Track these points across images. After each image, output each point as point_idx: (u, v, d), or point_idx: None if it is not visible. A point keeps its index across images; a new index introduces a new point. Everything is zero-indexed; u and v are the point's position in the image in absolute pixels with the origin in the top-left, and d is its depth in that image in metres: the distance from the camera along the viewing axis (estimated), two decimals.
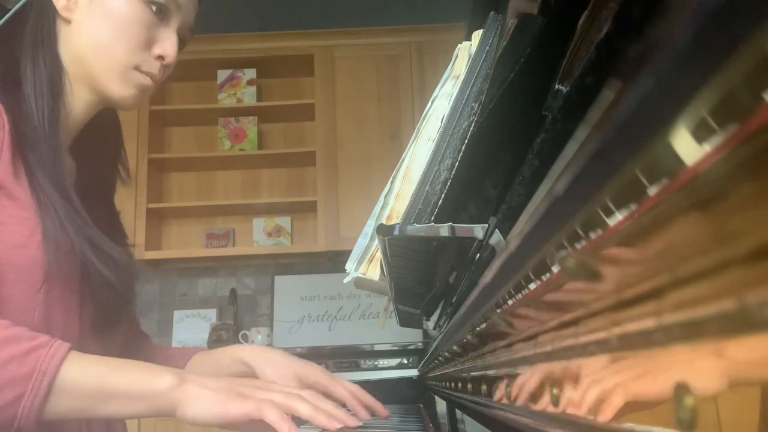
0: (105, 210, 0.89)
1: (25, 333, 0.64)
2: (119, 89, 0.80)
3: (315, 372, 0.87)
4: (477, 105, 0.56)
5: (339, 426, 0.67)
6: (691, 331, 0.15)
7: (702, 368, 0.15)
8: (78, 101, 0.81)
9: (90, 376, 0.64)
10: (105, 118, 0.88)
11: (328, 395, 0.82)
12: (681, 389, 0.16)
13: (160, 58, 0.81)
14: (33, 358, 0.61)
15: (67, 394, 0.62)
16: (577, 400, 0.24)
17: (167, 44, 0.81)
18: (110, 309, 0.80)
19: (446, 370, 0.84)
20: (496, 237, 0.40)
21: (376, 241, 0.72)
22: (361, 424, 0.70)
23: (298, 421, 0.68)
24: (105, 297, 0.78)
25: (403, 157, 0.71)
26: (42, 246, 0.70)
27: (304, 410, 0.67)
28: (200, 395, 0.65)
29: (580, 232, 0.20)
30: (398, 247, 0.55)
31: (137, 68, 0.80)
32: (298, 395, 0.68)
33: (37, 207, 0.71)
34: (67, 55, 0.79)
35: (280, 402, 0.66)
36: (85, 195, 0.80)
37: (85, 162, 0.86)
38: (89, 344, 0.76)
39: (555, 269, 0.24)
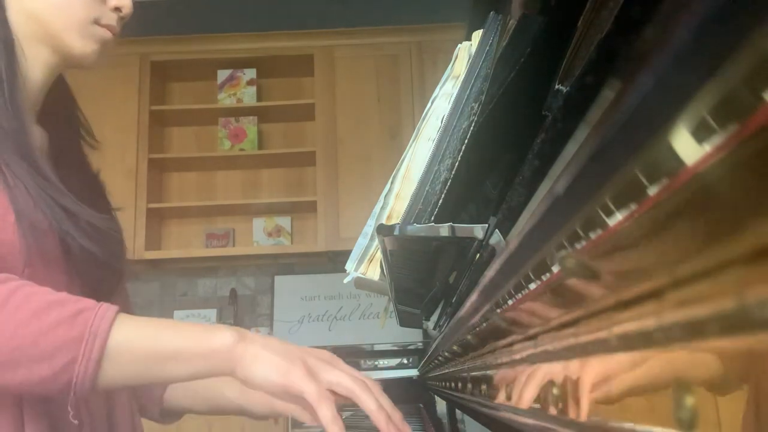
0: (82, 177, 0.85)
1: (69, 297, 0.61)
2: (81, 45, 0.78)
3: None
4: (477, 105, 0.56)
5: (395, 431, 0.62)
6: (691, 331, 0.15)
7: (701, 368, 0.15)
8: (37, 65, 0.78)
9: (143, 336, 0.60)
10: (55, 83, 0.84)
11: None
12: (681, 389, 0.16)
13: (117, 9, 0.80)
14: (82, 320, 0.58)
15: (120, 357, 0.59)
16: (577, 400, 0.24)
17: None
18: (99, 282, 0.76)
19: (446, 370, 0.84)
20: (496, 237, 0.40)
21: (376, 241, 0.72)
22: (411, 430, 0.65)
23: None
24: (91, 270, 0.74)
25: (403, 157, 0.71)
26: (17, 228, 0.66)
27: (368, 403, 0.61)
28: (262, 356, 0.61)
29: (580, 232, 0.20)
30: (398, 247, 0.55)
31: (96, 22, 0.78)
32: (365, 383, 0.63)
33: (5, 187, 0.67)
34: (20, 17, 0.76)
35: (348, 386, 0.62)
36: (61, 164, 0.77)
37: (56, 130, 0.83)
38: None
39: (555, 269, 0.24)
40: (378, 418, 0.62)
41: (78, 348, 0.57)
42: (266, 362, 0.61)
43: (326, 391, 0.60)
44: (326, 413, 0.59)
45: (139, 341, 0.60)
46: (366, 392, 0.62)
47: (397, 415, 0.65)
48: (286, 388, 0.60)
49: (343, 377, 0.63)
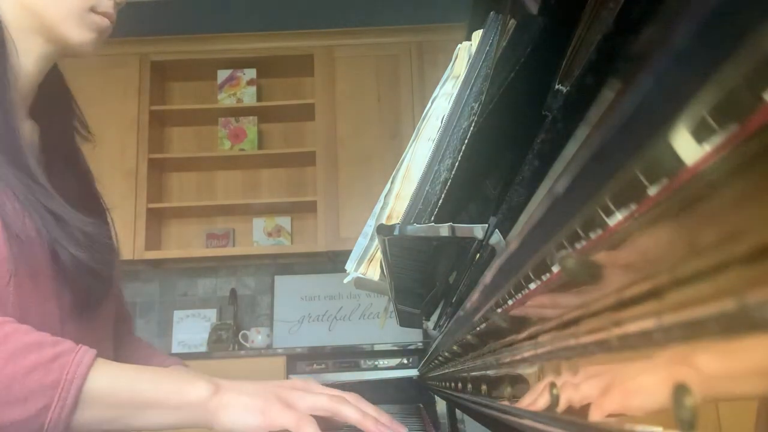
0: (75, 173, 0.84)
1: (48, 338, 0.60)
2: (79, 34, 0.77)
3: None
4: (477, 105, 0.56)
5: None
6: (691, 331, 0.15)
7: (702, 369, 0.15)
8: (30, 57, 0.76)
9: (119, 385, 0.60)
10: (50, 74, 0.83)
11: None
12: (681, 389, 0.16)
13: None
14: (58, 366, 0.58)
15: (95, 404, 0.59)
16: (577, 400, 0.24)
17: None
18: (89, 291, 0.75)
19: (446, 370, 0.84)
20: (496, 237, 0.40)
21: (376, 241, 0.72)
22: (406, 430, 0.65)
23: None
24: (81, 278, 0.72)
25: (403, 157, 0.71)
26: (3, 237, 0.65)
27: (351, 414, 0.62)
28: (237, 402, 0.61)
29: (580, 232, 0.20)
30: (398, 247, 0.55)
31: (93, 10, 0.77)
32: (342, 398, 0.65)
33: None
34: (13, 8, 0.75)
35: (326, 406, 0.63)
36: (52, 159, 0.76)
37: (49, 122, 0.82)
38: (73, 331, 0.71)
39: (555, 269, 0.24)
40: (365, 424, 0.62)
41: (53, 394, 0.57)
42: (242, 408, 0.61)
43: (306, 415, 0.61)
44: None
45: (114, 389, 0.60)
46: (345, 406, 0.63)
47: (384, 417, 0.65)
48: (268, 426, 0.60)
49: (319, 399, 0.64)
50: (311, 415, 0.62)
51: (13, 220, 0.66)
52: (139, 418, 0.61)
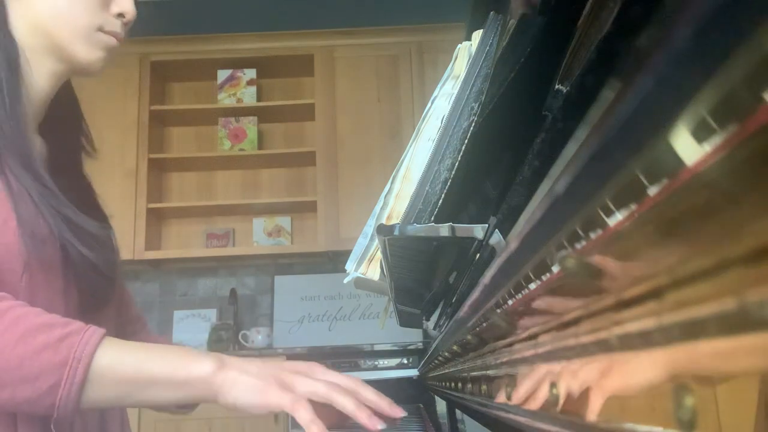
0: (79, 187, 0.87)
1: (58, 319, 0.63)
2: (87, 53, 0.79)
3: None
4: (477, 105, 0.56)
5: (381, 427, 0.64)
6: (691, 331, 0.15)
7: (702, 369, 0.15)
8: (42, 75, 0.79)
9: (126, 362, 0.63)
10: (62, 92, 0.86)
11: None
12: (681, 389, 0.16)
13: (120, 15, 0.81)
14: (67, 345, 0.60)
15: (103, 381, 0.61)
16: (576, 400, 0.24)
17: (125, 2, 0.81)
18: (95, 290, 0.78)
19: (446, 370, 0.84)
20: (496, 237, 0.40)
21: (376, 241, 0.72)
22: (405, 414, 0.67)
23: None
24: (88, 278, 0.76)
25: (403, 157, 0.71)
26: (18, 233, 0.68)
27: (345, 404, 0.64)
28: (240, 381, 0.64)
29: (580, 232, 0.20)
30: (398, 247, 0.55)
31: (100, 29, 0.79)
32: (339, 386, 0.66)
33: (8, 193, 0.69)
34: (24, 29, 0.78)
35: (322, 393, 0.65)
36: (59, 175, 0.79)
37: (55, 141, 0.85)
38: None
39: (555, 269, 0.24)
40: (358, 416, 0.64)
41: (62, 372, 0.60)
42: (244, 386, 0.64)
43: (301, 398, 0.63)
44: (303, 416, 0.62)
45: (121, 367, 0.63)
46: (341, 394, 0.65)
47: (383, 402, 0.67)
48: (266, 406, 0.63)
49: (317, 386, 0.65)
50: (309, 400, 0.63)
51: (28, 219, 0.70)
52: (147, 393, 0.63)
